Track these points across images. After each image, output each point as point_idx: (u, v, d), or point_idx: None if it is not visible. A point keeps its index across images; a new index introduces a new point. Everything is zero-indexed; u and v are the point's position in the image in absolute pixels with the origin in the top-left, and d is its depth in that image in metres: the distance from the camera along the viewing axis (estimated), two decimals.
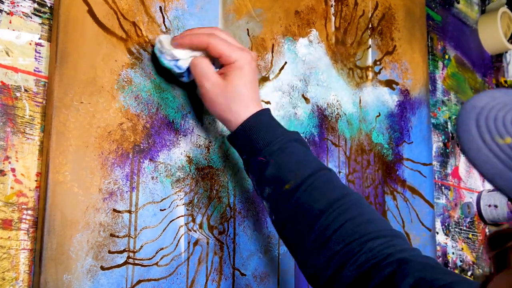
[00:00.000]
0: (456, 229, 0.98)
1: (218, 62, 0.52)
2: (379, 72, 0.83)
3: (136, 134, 0.52)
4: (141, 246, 0.51)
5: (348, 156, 0.75)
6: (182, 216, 0.55)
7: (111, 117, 0.50)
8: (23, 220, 0.45)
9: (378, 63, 0.83)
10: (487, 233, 1.06)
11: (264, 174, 0.49)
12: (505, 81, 1.21)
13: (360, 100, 0.78)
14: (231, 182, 0.59)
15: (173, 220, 0.54)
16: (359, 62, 0.79)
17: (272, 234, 0.63)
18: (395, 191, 0.82)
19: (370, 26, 0.82)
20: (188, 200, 0.55)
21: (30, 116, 0.46)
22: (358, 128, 0.77)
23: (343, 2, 0.78)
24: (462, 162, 1.03)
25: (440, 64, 1.02)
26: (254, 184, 0.51)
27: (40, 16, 0.48)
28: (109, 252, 0.48)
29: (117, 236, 0.49)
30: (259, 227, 0.62)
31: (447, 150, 1.00)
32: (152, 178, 0.52)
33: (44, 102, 0.47)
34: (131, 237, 0.50)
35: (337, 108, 0.74)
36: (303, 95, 0.70)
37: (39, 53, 0.48)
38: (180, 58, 0.51)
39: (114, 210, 0.49)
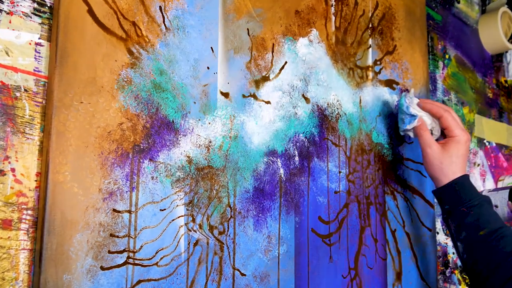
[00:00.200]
0: None
1: (438, 132, 0.76)
2: (379, 72, 0.83)
3: (136, 134, 0.52)
4: (141, 246, 0.51)
5: (348, 156, 0.75)
6: (182, 216, 0.54)
7: (111, 117, 0.50)
8: (23, 220, 0.45)
9: (378, 63, 0.83)
10: None
11: (464, 221, 0.67)
12: (505, 81, 1.21)
13: (360, 100, 0.78)
14: (231, 182, 0.59)
15: (173, 220, 0.54)
16: (360, 62, 0.79)
17: (272, 234, 0.63)
18: (396, 191, 0.82)
19: (370, 25, 0.82)
20: (188, 200, 0.55)
21: (30, 116, 0.46)
22: (358, 128, 0.77)
23: (343, 2, 0.78)
24: None
25: (441, 64, 1.02)
26: (452, 229, 0.70)
27: (40, 16, 0.48)
28: (109, 252, 0.48)
29: (117, 236, 0.49)
30: (259, 227, 0.62)
31: None
32: (152, 178, 0.52)
33: (44, 102, 0.47)
34: (131, 237, 0.50)
35: (337, 108, 0.74)
36: (303, 95, 0.70)
37: (39, 53, 0.48)
38: (416, 114, 0.75)
39: (114, 210, 0.49)
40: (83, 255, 0.46)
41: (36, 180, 0.46)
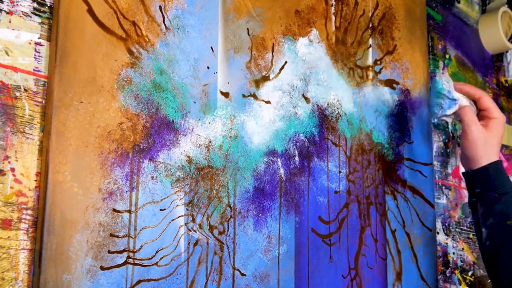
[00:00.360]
0: (457, 229, 0.98)
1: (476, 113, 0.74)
2: (380, 72, 0.82)
3: (136, 134, 0.52)
4: (141, 246, 0.50)
5: (349, 156, 0.75)
6: (182, 216, 0.54)
7: (111, 117, 0.50)
8: (23, 220, 0.45)
9: (378, 62, 0.83)
10: None
11: (493, 207, 0.66)
12: (506, 81, 1.21)
13: (360, 99, 0.78)
14: (231, 182, 0.59)
15: (173, 220, 0.54)
16: (360, 61, 0.79)
17: (273, 234, 0.63)
18: (396, 191, 0.82)
19: (370, 25, 0.82)
20: (188, 200, 0.55)
21: (29, 115, 0.46)
22: (358, 127, 0.77)
23: (343, 2, 0.78)
24: None
25: (441, 64, 1.02)
26: (480, 213, 0.69)
27: (39, 16, 0.48)
28: (109, 252, 0.48)
29: (117, 236, 0.49)
30: (259, 227, 0.62)
31: (448, 150, 0.99)
32: (152, 178, 0.52)
33: (43, 102, 0.47)
34: (131, 237, 0.50)
35: (337, 108, 0.74)
36: (303, 95, 0.70)
37: (39, 52, 0.47)
38: (457, 97, 0.74)
39: (114, 210, 0.49)
40: (83, 255, 0.46)
41: (36, 180, 0.46)
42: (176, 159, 0.55)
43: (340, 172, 0.73)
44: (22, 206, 0.45)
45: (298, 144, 0.68)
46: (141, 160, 0.52)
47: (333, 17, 0.76)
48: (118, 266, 0.49)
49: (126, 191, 0.50)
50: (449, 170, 0.99)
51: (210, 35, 0.60)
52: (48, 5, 0.49)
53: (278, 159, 0.65)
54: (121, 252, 0.49)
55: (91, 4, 0.49)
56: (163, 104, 0.54)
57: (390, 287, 0.78)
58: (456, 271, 0.96)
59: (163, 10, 0.56)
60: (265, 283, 0.61)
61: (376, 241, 0.77)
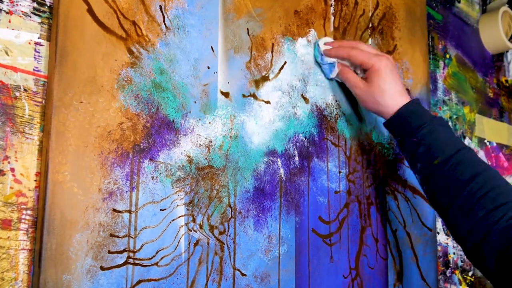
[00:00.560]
0: None
1: (361, 69, 0.69)
2: None
3: (136, 134, 0.52)
4: (141, 246, 0.50)
5: (348, 156, 0.75)
6: (183, 216, 0.54)
7: (111, 117, 0.50)
8: (23, 220, 0.44)
9: None
10: None
11: (417, 152, 0.62)
12: (506, 81, 1.21)
13: None
14: (232, 182, 0.59)
15: (173, 220, 0.53)
16: None
17: (273, 234, 0.63)
18: (396, 191, 0.82)
19: (370, 25, 0.82)
20: (189, 200, 0.55)
21: (29, 115, 0.46)
22: (358, 127, 0.77)
23: (343, 2, 0.78)
24: None
25: (441, 64, 1.02)
26: (407, 160, 0.65)
27: (39, 15, 0.48)
28: (109, 252, 0.48)
29: (117, 236, 0.49)
30: (260, 227, 0.62)
31: None
32: (152, 178, 0.52)
33: (43, 102, 0.47)
34: (131, 237, 0.50)
35: (336, 108, 0.74)
36: (302, 95, 0.70)
37: (39, 52, 0.47)
38: (333, 61, 0.70)
39: (114, 210, 0.49)
40: (82, 255, 0.46)
41: (35, 180, 0.46)
42: (177, 159, 0.55)
43: (340, 172, 0.73)
44: (22, 206, 0.45)
45: (297, 144, 0.67)
46: (141, 160, 0.52)
47: (332, 18, 0.76)
48: (118, 266, 0.48)
49: (126, 191, 0.50)
50: None
51: (210, 35, 0.60)
52: (48, 5, 0.49)
53: (278, 159, 0.65)
54: (121, 252, 0.49)
55: (91, 4, 0.49)
56: (163, 104, 0.54)
57: (391, 287, 0.78)
58: (457, 271, 0.96)
59: (163, 9, 0.56)
60: (266, 283, 0.61)
61: (377, 241, 0.77)
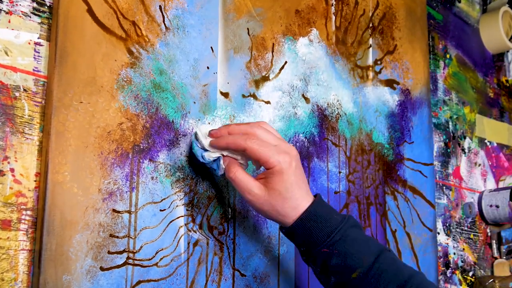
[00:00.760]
0: (458, 230, 0.98)
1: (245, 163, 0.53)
2: (380, 72, 0.82)
3: (135, 134, 0.52)
4: (141, 247, 0.50)
5: (349, 156, 0.75)
6: (182, 216, 0.54)
7: (111, 117, 0.50)
8: (22, 221, 0.44)
9: (378, 62, 0.82)
10: (488, 234, 1.05)
11: (329, 264, 0.50)
12: (507, 81, 1.21)
13: (360, 99, 0.78)
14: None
15: (173, 220, 0.53)
16: (360, 61, 0.79)
17: (272, 234, 0.63)
18: (396, 191, 0.82)
19: (370, 25, 0.82)
20: (188, 201, 0.55)
21: (29, 116, 0.46)
22: (358, 128, 0.77)
23: (343, 1, 0.78)
24: (463, 162, 1.03)
25: (441, 64, 1.02)
26: (316, 273, 0.53)
27: (39, 16, 0.48)
28: (109, 252, 0.48)
29: (117, 237, 0.49)
30: (259, 228, 0.62)
31: (448, 150, 0.99)
32: (152, 178, 0.52)
33: (43, 102, 0.47)
34: (131, 238, 0.50)
35: (337, 108, 0.74)
36: (303, 95, 0.69)
37: (38, 52, 0.47)
38: (216, 156, 0.52)
39: (114, 210, 0.49)
40: (82, 256, 0.46)
41: (35, 180, 0.46)
42: (176, 159, 0.55)
43: (340, 172, 0.73)
44: (22, 206, 0.45)
45: (298, 144, 0.67)
46: (141, 161, 0.52)
47: (333, 17, 0.76)
48: (118, 266, 0.48)
49: (126, 192, 0.50)
50: (450, 170, 0.99)
51: (210, 35, 0.60)
52: (48, 5, 0.48)
53: None
54: (121, 252, 0.49)
55: (90, 4, 0.49)
56: (163, 104, 0.54)
57: None
58: (457, 272, 0.96)
59: (163, 10, 0.55)
60: (265, 283, 0.61)
61: None
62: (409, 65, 0.88)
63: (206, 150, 0.52)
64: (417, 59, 0.90)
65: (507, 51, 1.20)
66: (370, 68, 0.81)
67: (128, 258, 0.49)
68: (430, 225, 0.87)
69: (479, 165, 1.08)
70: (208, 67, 0.59)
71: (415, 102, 0.88)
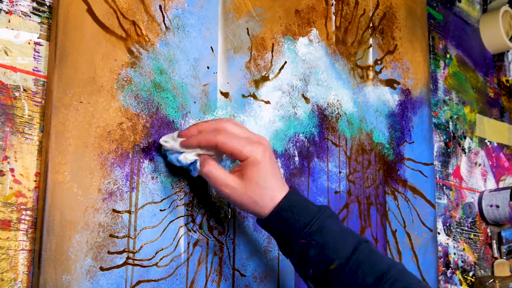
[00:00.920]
0: (458, 230, 0.98)
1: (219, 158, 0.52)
2: (380, 72, 0.82)
3: (136, 134, 0.51)
4: (141, 247, 0.50)
5: (349, 156, 0.75)
6: (182, 216, 0.54)
7: (111, 117, 0.50)
8: (22, 221, 0.44)
9: (379, 62, 0.82)
10: (489, 234, 1.05)
11: (307, 255, 0.49)
12: (507, 80, 1.21)
13: (360, 99, 0.78)
14: None
15: (173, 220, 0.53)
16: (360, 61, 0.79)
17: None
18: (396, 191, 0.82)
19: (371, 25, 0.82)
20: (188, 201, 0.55)
21: (29, 116, 0.46)
22: (358, 127, 0.77)
23: (343, 1, 0.77)
24: (463, 162, 1.03)
25: (442, 63, 1.02)
26: (295, 265, 0.52)
27: (39, 15, 0.48)
28: (109, 252, 0.48)
29: (117, 237, 0.49)
30: (259, 228, 0.62)
31: (449, 150, 0.99)
32: (152, 178, 0.52)
33: (43, 102, 0.47)
34: (131, 238, 0.50)
35: (337, 108, 0.74)
36: (303, 95, 0.69)
37: (38, 52, 0.47)
38: (192, 159, 0.51)
39: (114, 210, 0.49)
40: (82, 256, 0.46)
41: (35, 180, 0.46)
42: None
43: (340, 172, 0.73)
44: (22, 206, 0.45)
45: (298, 144, 0.67)
46: (141, 160, 0.52)
47: (333, 17, 0.76)
48: (118, 266, 0.48)
49: (126, 192, 0.50)
50: (450, 170, 0.99)
51: (210, 35, 0.60)
52: (48, 4, 0.48)
53: (278, 159, 0.65)
54: (120, 252, 0.49)
55: (90, 4, 0.49)
56: (163, 104, 0.54)
57: None
58: (457, 272, 0.96)
59: (163, 9, 0.55)
60: (265, 283, 0.61)
61: (376, 242, 0.77)
62: (409, 65, 0.88)
63: (180, 153, 0.51)
64: (417, 59, 0.90)
65: (507, 51, 1.20)
66: (370, 68, 0.81)
67: (128, 258, 0.49)
68: (430, 225, 0.87)
69: (479, 165, 1.07)
70: (208, 67, 0.59)
71: (415, 102, 0.88)
